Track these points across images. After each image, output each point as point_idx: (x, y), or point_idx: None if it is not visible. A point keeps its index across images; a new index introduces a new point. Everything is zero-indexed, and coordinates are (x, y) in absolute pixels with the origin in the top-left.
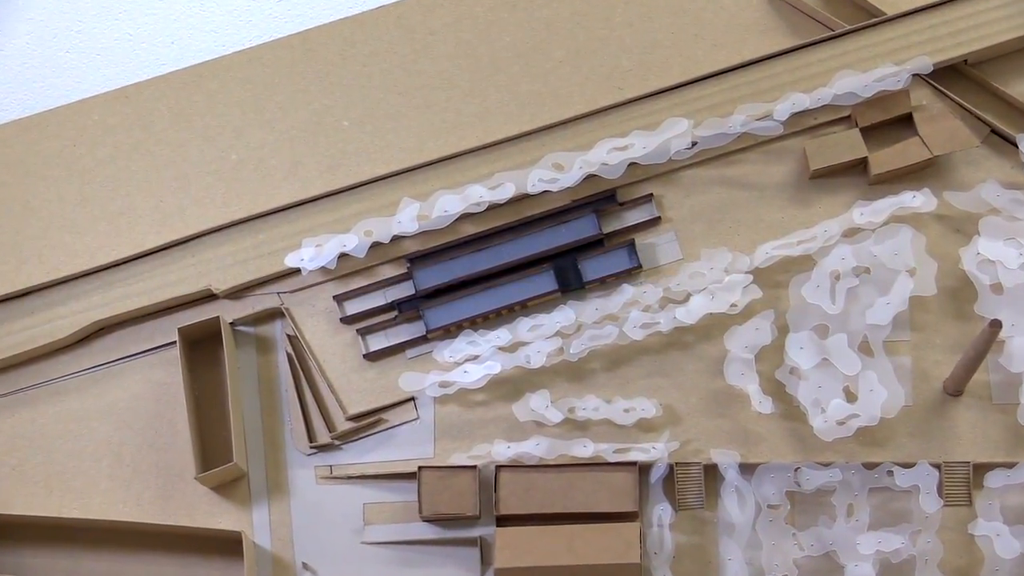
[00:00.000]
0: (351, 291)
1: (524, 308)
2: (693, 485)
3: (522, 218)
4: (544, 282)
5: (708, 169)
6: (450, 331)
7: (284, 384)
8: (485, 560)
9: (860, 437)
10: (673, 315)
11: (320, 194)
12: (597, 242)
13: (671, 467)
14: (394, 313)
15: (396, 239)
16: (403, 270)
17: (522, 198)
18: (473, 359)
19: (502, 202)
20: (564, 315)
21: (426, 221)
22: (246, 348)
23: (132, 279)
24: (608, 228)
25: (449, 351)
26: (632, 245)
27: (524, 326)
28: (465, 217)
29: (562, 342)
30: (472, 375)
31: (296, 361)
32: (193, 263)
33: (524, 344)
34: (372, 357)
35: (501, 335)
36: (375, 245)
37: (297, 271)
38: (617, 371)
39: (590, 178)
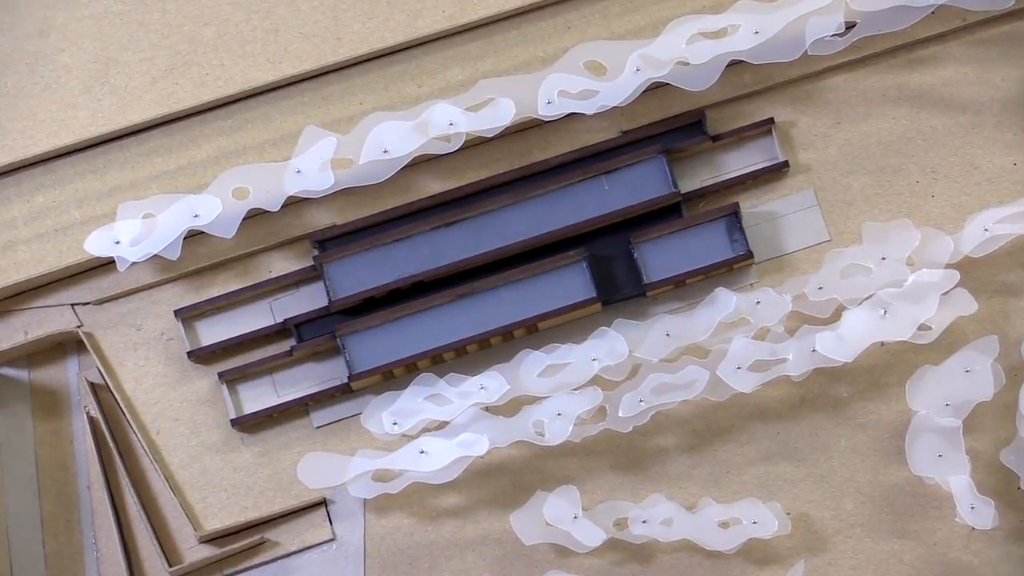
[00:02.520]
0: (209, 301)
1: (533, 332)
2: None
3: (530, 164)
4: (571, 284)
5: (876, 74)
6: (392, 376)
7: (84, 475)
8: None
9: None
10: (811, 346)
11: (151, 120)
12: (668, 209)
13: None
14: (289, 343)
15: (293, 204)
16: (307, 263)
17: (530, 127)
18: (438, 429)
19: (491, 135)
20: (607, 346)
21: (349, 171)
22: (14, 405)
23: None
24: (690, 184)
25: (392, 414)
26: (735, 216)
27: (532, 367)
28: (421, 163)
29: (603, 396)
30: (435, 458)
31: (106, 432)
32: None
33: (533, 400)
34: (249, 424)
35: (490, 383)
36: (254, 215)
37: (108, 264)
38: (706, 450)
39: (655, 90)
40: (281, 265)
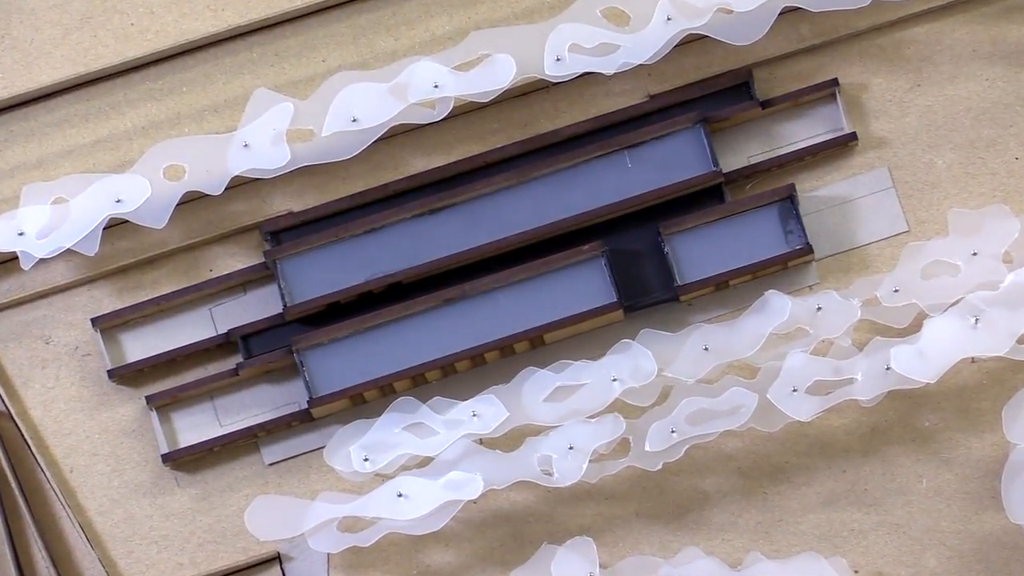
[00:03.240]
0: (135, 308)
1: (538, 346)
2: None
3: (535, 137)
4: (586, 285)
5: (965, 24)
6: (363, 400)
7: None
8: None
9: None
10: (885, 363)
11: (62, 81)
12: (707, 193)
13: None
14: (234, 360)
15: (239, 186)
16: (257, 260)
17: (534, 91)
18: (419, 466)
19: (486, 101)
20: (630, 363)
21: (309, 144)
22: None
23: None
24: (734, 161)
25: (362, 448)
26: (790, 201)
27: (538, 389)
28: (399, 135)
29: (625, 426)
30: (417, 503)
31: (8, 469)
32: None
33: (539, 431)
34: (185, 461)
35: (485, 409)
36: (191, 200)
37: (10, 261)
38: (755, 493)
39: (691, 44)
40: (225, 262)
